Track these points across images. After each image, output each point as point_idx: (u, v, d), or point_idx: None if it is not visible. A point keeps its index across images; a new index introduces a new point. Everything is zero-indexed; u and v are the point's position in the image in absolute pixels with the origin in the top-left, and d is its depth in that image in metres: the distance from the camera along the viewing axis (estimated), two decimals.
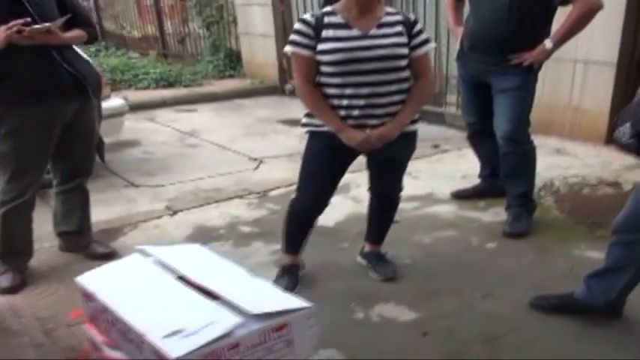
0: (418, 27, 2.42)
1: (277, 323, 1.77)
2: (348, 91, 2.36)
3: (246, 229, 3.43)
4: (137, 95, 7.30)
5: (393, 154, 2.53)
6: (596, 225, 3.19)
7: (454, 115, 5.55)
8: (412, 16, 2.47)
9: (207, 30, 9.00)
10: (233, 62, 8.75)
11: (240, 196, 3.92)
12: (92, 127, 2.92)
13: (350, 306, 2.57)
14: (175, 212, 3.68)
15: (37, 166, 2.75)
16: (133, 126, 5.68)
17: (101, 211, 3.51)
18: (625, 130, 2.04)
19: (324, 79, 2.39)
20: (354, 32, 2.34)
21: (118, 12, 11.64)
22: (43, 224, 3.07)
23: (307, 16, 2.40)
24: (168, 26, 10.20)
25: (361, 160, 2.61)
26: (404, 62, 2.39)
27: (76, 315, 2.34)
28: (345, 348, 2.26)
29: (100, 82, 2.96)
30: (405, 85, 2.43)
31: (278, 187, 3.99)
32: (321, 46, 2.34)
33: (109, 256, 2.93)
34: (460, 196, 3.74)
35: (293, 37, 2.39)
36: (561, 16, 3.06)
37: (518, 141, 3.22)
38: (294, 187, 2.66)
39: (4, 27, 2.46)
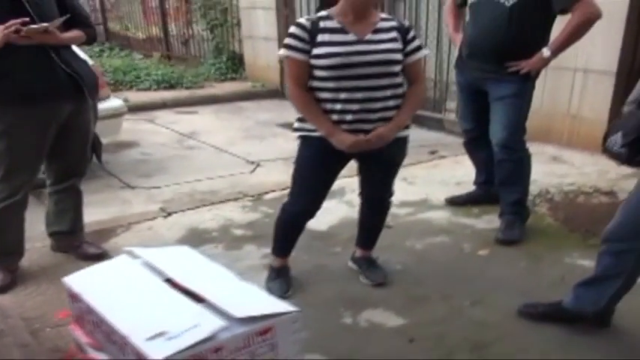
0: (412, 33, 2.44)
1: (261, 327, 1.77)
2: (343, 95, 2.36)
3: (238, 232, 3.43)
4: (138, 96, 7.30)
5: (385, 158, 2.53)
6: (590, 233, 3.19)
7: (453, 122, 5.54)
8: (406, 23, 2.49)
9: (211, 32, 9.02)
10: (235, 65, 8.77)
11: (235, 199, 3.92)
12: (88, 128, 2.92)
13: (339, 311, 2.57)
14: (169, 214, 3.68)
15: (30, 166, 2.75)
16: (132, 127, 5.70)
17: (95, 212, 3.52)
18: (616, 140, 2.07)
19: (317, 84, 2.39)
20: (350, 37, 2.35)
21: (124, 13, 11.69)
22: (36, 224, 3.07)
23: (303, 20, 2.40)
24: (173, 28, 10.23)
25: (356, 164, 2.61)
26: (398, 68, 2.40)
27: (63, 315, 2.34)
28: (330, 353, 2.26)
29: (97, 83, 2.95)
30: (399, 91, 2.43)
31: (273, 191, 3.99)
32: (316, 51, 2.34)
33: (101, 256, 2.92)
34: (454, 202, 3.74)
35: (288, 40, 2.38)
36: (560, 25, 3.06)
37: (514, 148, 3.22)
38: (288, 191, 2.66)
39: (1, 27, 2.45)
